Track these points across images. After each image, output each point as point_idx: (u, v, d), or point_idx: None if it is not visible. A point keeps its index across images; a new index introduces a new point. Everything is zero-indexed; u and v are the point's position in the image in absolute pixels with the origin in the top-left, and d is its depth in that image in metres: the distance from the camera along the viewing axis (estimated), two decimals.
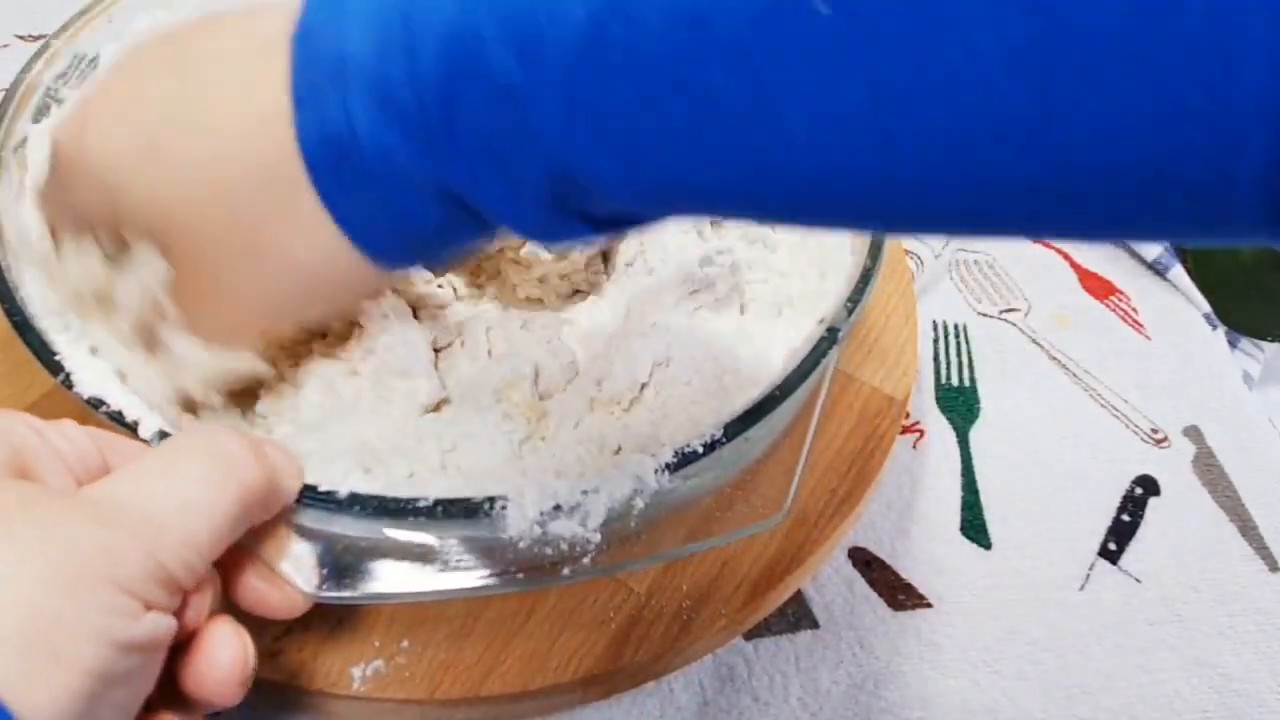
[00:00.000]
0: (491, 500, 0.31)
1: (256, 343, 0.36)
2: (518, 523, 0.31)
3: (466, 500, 0.31)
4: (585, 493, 0.32)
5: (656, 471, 0.33)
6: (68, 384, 0.34)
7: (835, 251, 0.44)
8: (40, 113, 0.42)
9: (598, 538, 0.32)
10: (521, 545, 0.31)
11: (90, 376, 0.34)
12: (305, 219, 0.29)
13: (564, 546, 0.32)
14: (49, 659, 0.22)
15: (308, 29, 0.28)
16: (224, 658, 0.28)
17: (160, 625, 0.25)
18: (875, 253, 0.40)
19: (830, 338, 0.37)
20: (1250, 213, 0.20)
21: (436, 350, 0.41)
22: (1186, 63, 0.19)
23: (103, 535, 0.24)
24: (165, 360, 0.35)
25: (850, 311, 0.38)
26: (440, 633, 0.39)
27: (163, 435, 0.33)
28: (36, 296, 0.37)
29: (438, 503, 0.31)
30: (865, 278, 0.39)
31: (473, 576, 0.31)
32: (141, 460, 0.28)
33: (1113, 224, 0.23)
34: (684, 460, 0.33)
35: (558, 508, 0.32)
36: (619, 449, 0.38)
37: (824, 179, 0.24)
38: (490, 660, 0.39)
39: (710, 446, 0.33)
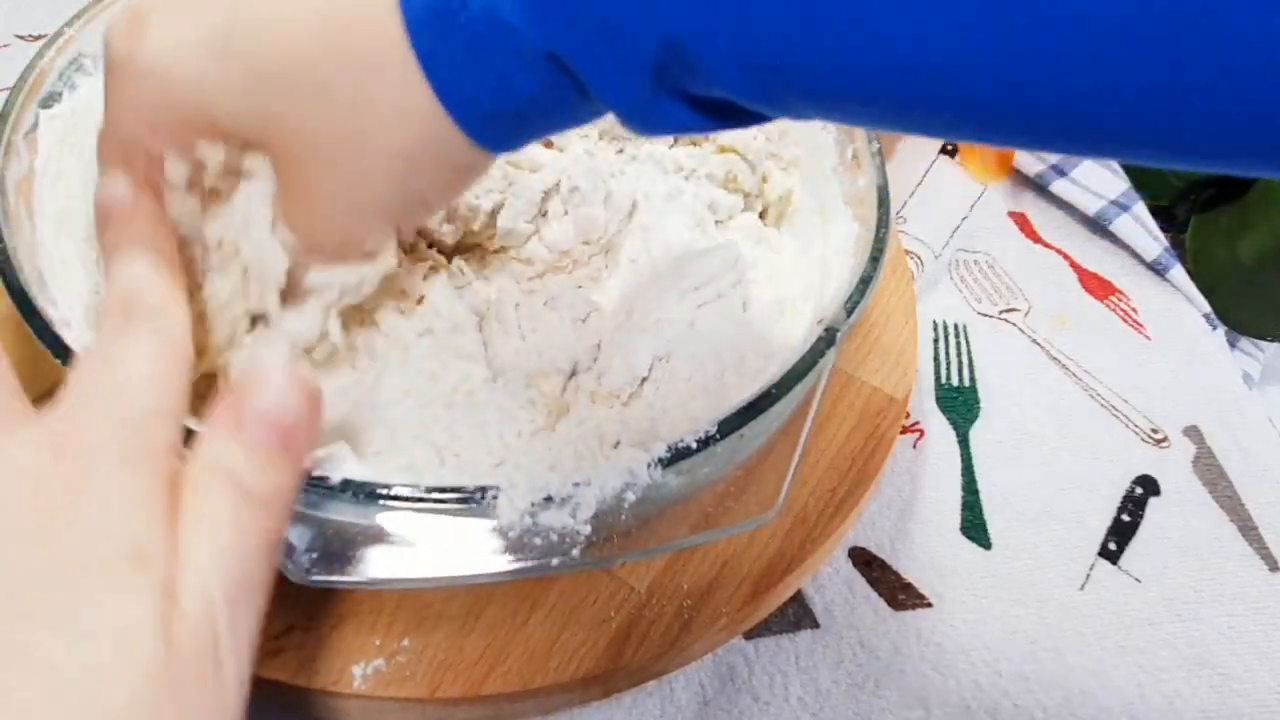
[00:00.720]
0: (483, 489, 0.31)
1: (375, 245, 0.34)
2: (508, 512, 0.31)
3: (458, 488, 0.31)
4: (577, 485, 0.32)
5: (649, 466, 0.33)
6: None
7: (837, 254, 0.44)
8: (51, 99, 0.43)
9: (588, 530, 0.32)
10: (511, 535, 0.31)
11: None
12: (402, 89, 0.27)
13: (554, 538, 0.32)
14: None
15: None
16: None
17: None
18: (876, 256, 0.40)
19: (828, 338, 0.37)
20: None
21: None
22: None
23: None
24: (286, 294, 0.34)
25: (850, 312, 0.38)
26: (441, 631, 0.39)
27: None
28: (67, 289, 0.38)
29: (429, 490, 0.31)
30: (866, 280, 0.39)
31: (462, 565, 0.31)
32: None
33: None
34: (677, 455, 0.33)
35: (549, 499, 0.32)
36: (618, 443, 0.38)
37: (944, 72, 0.23)
38: (491, 659, 0.39)
39: (704, 442, 0.33)
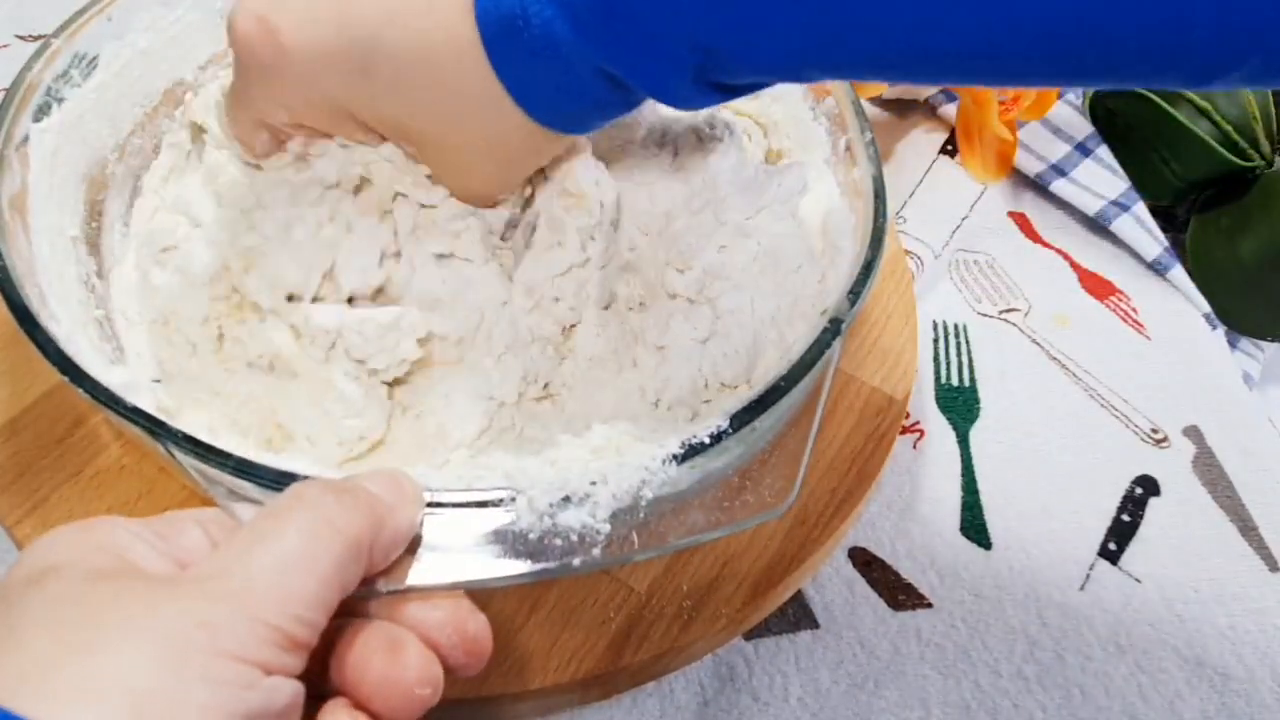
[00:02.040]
0: (500, 492, 0.32)
1: (503, 198, 0.41)
2: (527, 514, 0.31)
3: (476, 492, 0.31)
4: (594, 483, 0.32)
5: (663, 462, 0.33)
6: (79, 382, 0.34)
7: (839, 239, 0.44)
8: (41, 112, 0.42)
9: (607, 528, 0.32)
10: (531, 537, 0.32)
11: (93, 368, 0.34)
12: (487, 94, 0.34)
13: (574, 538, 0.32)
14: None
15: None
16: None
17: (281, 690, 0.25)
18: (876, 240, 0.40)
19: (834, 328, 0.37)
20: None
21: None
22: None
23: (200, 609, 0.24)
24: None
25: (853, 302, 0.38)
26: None
27: (149, 418, 0.32)
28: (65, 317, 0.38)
29: (447, 495, 0.31)
30: (868, 265, 0.39)
31: (484, 568, 0.31)
32: (237, 531, 0.27)
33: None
34: (691, 451, 0.33)
35: (566, 499, 0.32)
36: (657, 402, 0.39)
37: (983, 39, 0.28)
38: (491, 660, 0.38)
39: (716, 437, 0.34)
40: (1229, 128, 0.62)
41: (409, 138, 0.38)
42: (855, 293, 0.39)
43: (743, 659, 0.44)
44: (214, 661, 0.23)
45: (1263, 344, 0.61)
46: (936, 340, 0.58)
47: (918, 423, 0.54)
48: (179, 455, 0.32)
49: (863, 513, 0.48)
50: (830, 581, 0.47)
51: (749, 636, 0.45)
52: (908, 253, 0.59)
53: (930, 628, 0.46)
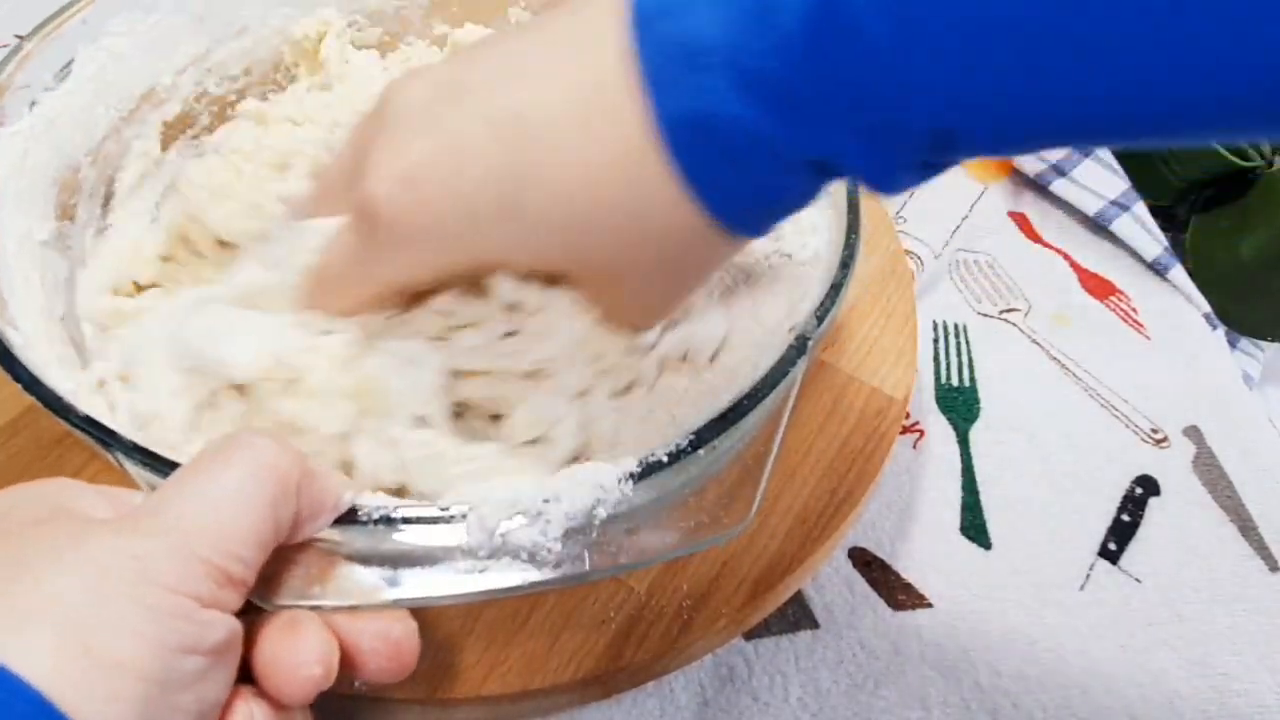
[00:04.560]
0: (450, 508, 0.31)
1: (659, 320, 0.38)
2: (476, 531, 0.30)
3: (426, 507, 0.31)
4: (546, 501, 0.31)
5: (620, 480, 0.32)
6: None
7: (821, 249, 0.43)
8: (11, 117, 0.42)
9: (558, 547, 0.31)
10: (480, 554, 0.31)
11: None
12: (668, 205, 0.30)
13: (524, 556, 0.31)
14: (103, 669, 0.22)
15: (645, 17, 0.29)
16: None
17: (217, 625, 0.25)
18: (846, 263, 0.39)
19: (799, 346, 0.35)
20: None
21: None
22: None
23: (133, 544, 0.24)
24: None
25: (820, 320, 0.37)
26: (440, 633, 0.39)
27: (99, 427, 0.32)
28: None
29: (395, 509, 0.30)
30: (836, 287, 0.38)
31: (427, 586, 0.31)
32: (174, 473, 0.28)
33: None
34: (648, 469, 0.32)
35: (518, 515, 0.31)
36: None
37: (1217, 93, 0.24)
38: (490, 660, 0.39)
39: (675, 455, 0.32)
40: None
41: (571, 273, 0.34)
42: (824, 311, 0.37)
43: (743, 659, 0.44)
44: (148, 590, 0.23)
45: (1263, 344, 0.61)
46: (936, 340, 0.58)
47: (918, 423, 0.54)
48: (129, 467, 0.32)
49: (863, 513, 0.48)
50: (830, 581, 0.47)
51: (749, 636, 0.45)
52: (908, 253, 0.59)
53: (930, 628, 0.46)
